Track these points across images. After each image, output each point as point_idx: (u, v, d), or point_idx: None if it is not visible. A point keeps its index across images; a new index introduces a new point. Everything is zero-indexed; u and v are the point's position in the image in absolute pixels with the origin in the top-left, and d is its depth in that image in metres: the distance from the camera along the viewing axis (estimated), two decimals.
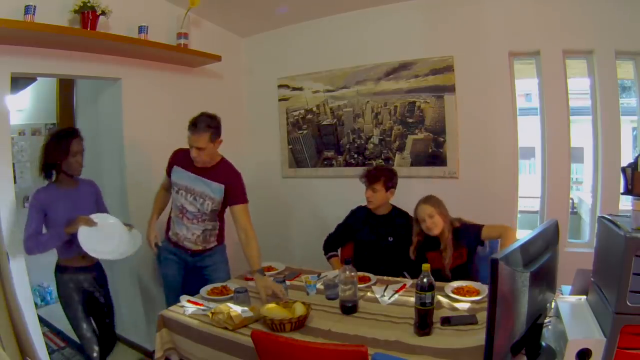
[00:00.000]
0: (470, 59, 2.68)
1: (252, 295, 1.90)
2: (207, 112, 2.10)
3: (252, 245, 2.05)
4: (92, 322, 2.10)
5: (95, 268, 2.14)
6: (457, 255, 2.12)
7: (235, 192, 2.14)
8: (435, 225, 2.09)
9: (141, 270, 2.66)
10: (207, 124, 2.03)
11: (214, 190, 2.14)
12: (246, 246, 2.06)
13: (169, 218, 2.31)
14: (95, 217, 2.02)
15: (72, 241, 1.93)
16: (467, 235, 2.11)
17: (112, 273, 2.85)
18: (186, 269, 2.30)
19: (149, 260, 2.64)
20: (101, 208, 2.20)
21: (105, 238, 2.01)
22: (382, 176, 2.30)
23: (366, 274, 2.12)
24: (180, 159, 2.20)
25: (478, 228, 2.10)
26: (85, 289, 2.07)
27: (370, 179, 2.31)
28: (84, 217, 1.96)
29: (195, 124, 2.03)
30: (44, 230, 1.96)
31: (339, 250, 2.51)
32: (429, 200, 2.14)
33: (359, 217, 2.43)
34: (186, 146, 2.15)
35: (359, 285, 1.85)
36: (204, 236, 2.23)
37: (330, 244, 2.47)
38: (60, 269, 2.05)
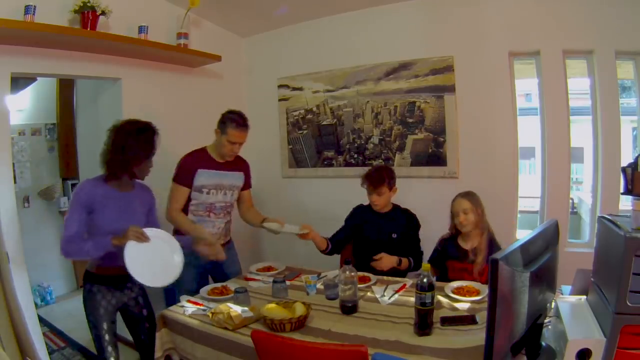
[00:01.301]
0: (470, 59, 2.68)
1: (252, 295, 1.91)
2: (237, 110, 2.21)
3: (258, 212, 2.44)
4: (116, 334, 1.81)
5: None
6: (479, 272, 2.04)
7: (248, 178, 2.41)
8: (468, 222, 2.04)
9: None
10: (247, 121, 2.18)
11: (238, 178, 2.33)
12: (255, 211, 2.44)
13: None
14: (149, 231, 1.71)
15: (114, 252, 1.66)
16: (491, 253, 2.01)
17: None
18: (205, 271, 2.31)
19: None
20: (151, 220, 1.91)
21: (152, 258, 1.70)
22: (385, 177, 2.26)
23: (366, 273, 2.12)
24: (200, 161, 2.19)
25: None
26: (118, 299, 1.81)
27: (375, 183, 2.25)
28: (136, 230, 1.66)
29: (244, 123, 2.16)
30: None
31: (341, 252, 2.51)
32: (468, 195, 2.09)
33: (361, 216, 2.42)
34: (187, 145, 2.22)
35: (359, 285, 1.85)
36: (226, 229, 2.36)
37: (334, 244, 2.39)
38: (90, 276, 1.78)
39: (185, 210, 2.21)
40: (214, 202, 2.23)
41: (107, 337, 1.74)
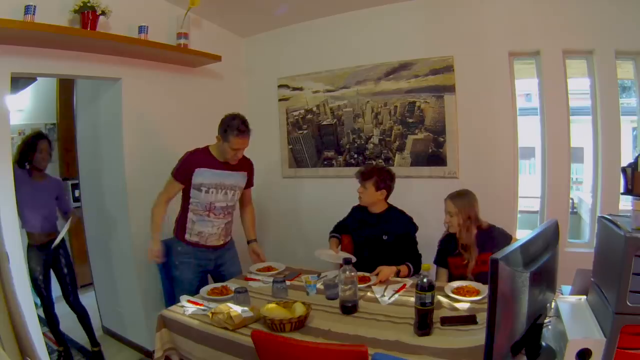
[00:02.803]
0: (470, 59, 2.68)
1: (252, 295, 1.91)
2: (236, 114, 2.15)
3: (253, 216, 2.53)
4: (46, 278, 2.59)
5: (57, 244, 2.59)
6: (482, 262, 2.05)
7: (251, 177, 2.41)
8: (451, 225, 2.11)
9: (141, 270, 2.66)
10: (248, 125, 2.14)
11: (241, 178, 2.32)
12: (250, 216, 2.50)
13: (184, 220, 2.25)
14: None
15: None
16: (496, 241, 2.04)
17: (112, 272, 2.87)
18: (204, 271, 2.32)
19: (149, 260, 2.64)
20: (62, 203, 2.68)
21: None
22: (374, 175, 2.29)
23: (366, 274, 2.12)
24: (201, 160, 2.18)
25: (509, 238, 2.09)
26: (43, 254, 2.52)
27: (363, 176, 2.32)
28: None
29: (245, 130, 2.11)
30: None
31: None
32: (456, 197, 2.11)
33: (356, 215, 2.44)
34: (186, 146, 2.22)
35: (359, 285, 1.85)
36: (226, 229, 2.33)
37: (337, 228, 2.54)
38: (29, 246, 2.55)
39: (185, 208, 2.23)
40: (213, 201, 2.21)
41: (40, 277, 2.53)
